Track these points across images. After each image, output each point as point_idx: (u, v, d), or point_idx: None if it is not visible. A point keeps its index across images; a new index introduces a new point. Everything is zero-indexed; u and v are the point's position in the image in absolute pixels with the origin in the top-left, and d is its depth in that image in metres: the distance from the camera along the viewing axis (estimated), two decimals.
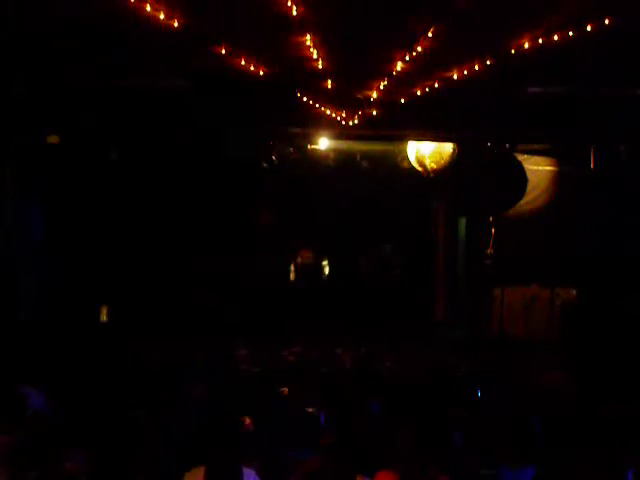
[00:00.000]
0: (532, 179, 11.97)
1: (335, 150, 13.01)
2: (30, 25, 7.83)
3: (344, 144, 12.85)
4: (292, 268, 12.79)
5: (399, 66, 8.37)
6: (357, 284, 13.32)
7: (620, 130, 10.41)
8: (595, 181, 11.03)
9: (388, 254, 13.32)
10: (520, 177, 11.86)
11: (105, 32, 7.86)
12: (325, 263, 12.82)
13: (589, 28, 7.07)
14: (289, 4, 6.57)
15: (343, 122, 10.50)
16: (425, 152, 12.09)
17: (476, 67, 8.46)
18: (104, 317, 12.99)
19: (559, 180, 12.23)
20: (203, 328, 11.45)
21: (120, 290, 12.76)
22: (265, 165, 12.41)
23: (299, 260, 12.77)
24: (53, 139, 11.41)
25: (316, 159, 13.15)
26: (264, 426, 5.04)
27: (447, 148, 11.95)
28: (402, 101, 9.96)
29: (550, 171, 12.36)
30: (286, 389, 6.09)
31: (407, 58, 8.05)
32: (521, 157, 12.00)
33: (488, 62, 8.26)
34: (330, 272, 12.87)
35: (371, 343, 10.99)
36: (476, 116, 10.38)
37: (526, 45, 7.63)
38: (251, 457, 4.50)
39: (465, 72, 8.67)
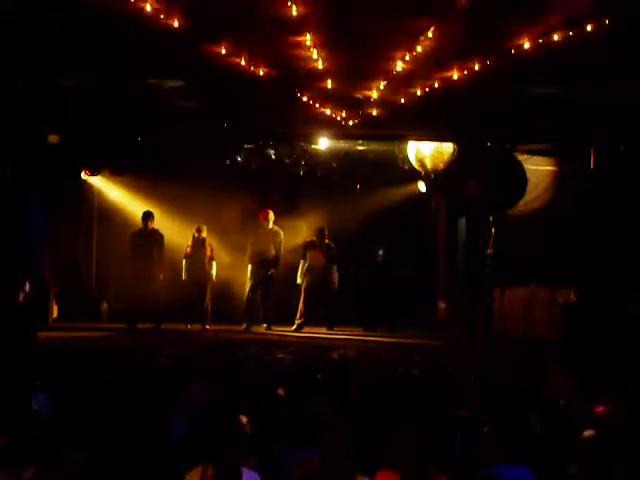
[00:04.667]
0: (532, 179, 11.97)
1: (334, 149, 13.03)
2: (31, 25, 7.84)
3: (343, 143, 12.88)
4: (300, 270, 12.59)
5: (399, 66, 8.38)
6: (357, 284, 13.31)
7: (620, 130, 10.40)
8: (595, 181, 11.03)
9: (388, 254, 13.29)
10: (520, 177, 11.85)
11: (105, 32, 7.87)
12: (335, 270, 12.59)
13: (589, 28, 7.09)
14: (289, 4, 6.58)
15: (343, 122, 10.50)
16: (425, 152, 12.09)
17: (476, 67, 8.47)
18: (104, 316, 13.04)
19: (559, 180, 12.23)
20: None
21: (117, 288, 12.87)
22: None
23: (307, 262, 12.53)
24: (53, 139, 11.44)
25: (314, 159, 13.18)
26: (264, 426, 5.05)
27: (447, 148, 11.95)
28: (402, 101, 9.96)
29: (550, 171, 12.36)
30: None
31: (407, 58, 8.07)
32: (521, 157, 11.99)
33: (488, 62, 8.28)
34: (340, 279, 12.65)
35: (370, 343, 11.02)
36: (476, 116, 10.38)
37: (526, 45, 7.65)
38: (251, 457, 4.51)
39: (465, 72, 8.68)
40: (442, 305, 13.84)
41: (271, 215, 12.36)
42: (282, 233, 12.48)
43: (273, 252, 12.30)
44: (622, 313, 10.04)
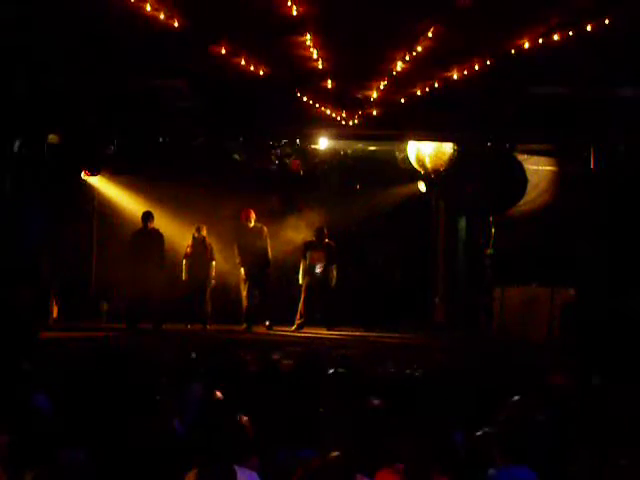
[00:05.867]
0: (532, 179, 11.97)
1: (333, 149, 13.02)
2: (31, 25, 7.84)
3: (342, 143, 12.87)
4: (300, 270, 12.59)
5: (399, 66, 8.39)
6: (357, 284, 13.32)
7: (620, 130, 10.41)
8: (595, 181, 11.03)
9: (387, 254, 13.28)
10: (520, 177, 11.86)
11: (105, 32, 7.88)
12: (334, 269, 12.57)
13: (589, 28, 7.10)
14: (289, 4, 6.59)
15: (343, 122, 10.51)
16: (425, 152, 12.09)
17: (476, 67, 8.48)
18: (104, 316, 13.03)
19: (559, 180, 12.23)
20: None
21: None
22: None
23: (307, 262, 12.51)
24: (53, 139, 11.43)
25: (314, 159, 13.18)
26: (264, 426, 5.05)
27: (447, 148, 11.95)
28: (402, 101, 9.97)
29: (550, 171, 12.36)
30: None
31: (407, 58, 8.07)
32: (521, 157, 12.00)
33: (488, 62, 8.28)
34: (338, 278, 12.62)
35: (371, 343, 11.02)
36: (476, 116, 10.38)
37: (526, 45, 7.66)
38: (251, 457, 4.51)
39: (465, 72, 8.69)
40: (441, 305, 13.83)
41: (252, 214, 12.40)
42: (265, 228, 12.51)
43: (262, 250, 12.33)
44: (622, 310, 10.04)
